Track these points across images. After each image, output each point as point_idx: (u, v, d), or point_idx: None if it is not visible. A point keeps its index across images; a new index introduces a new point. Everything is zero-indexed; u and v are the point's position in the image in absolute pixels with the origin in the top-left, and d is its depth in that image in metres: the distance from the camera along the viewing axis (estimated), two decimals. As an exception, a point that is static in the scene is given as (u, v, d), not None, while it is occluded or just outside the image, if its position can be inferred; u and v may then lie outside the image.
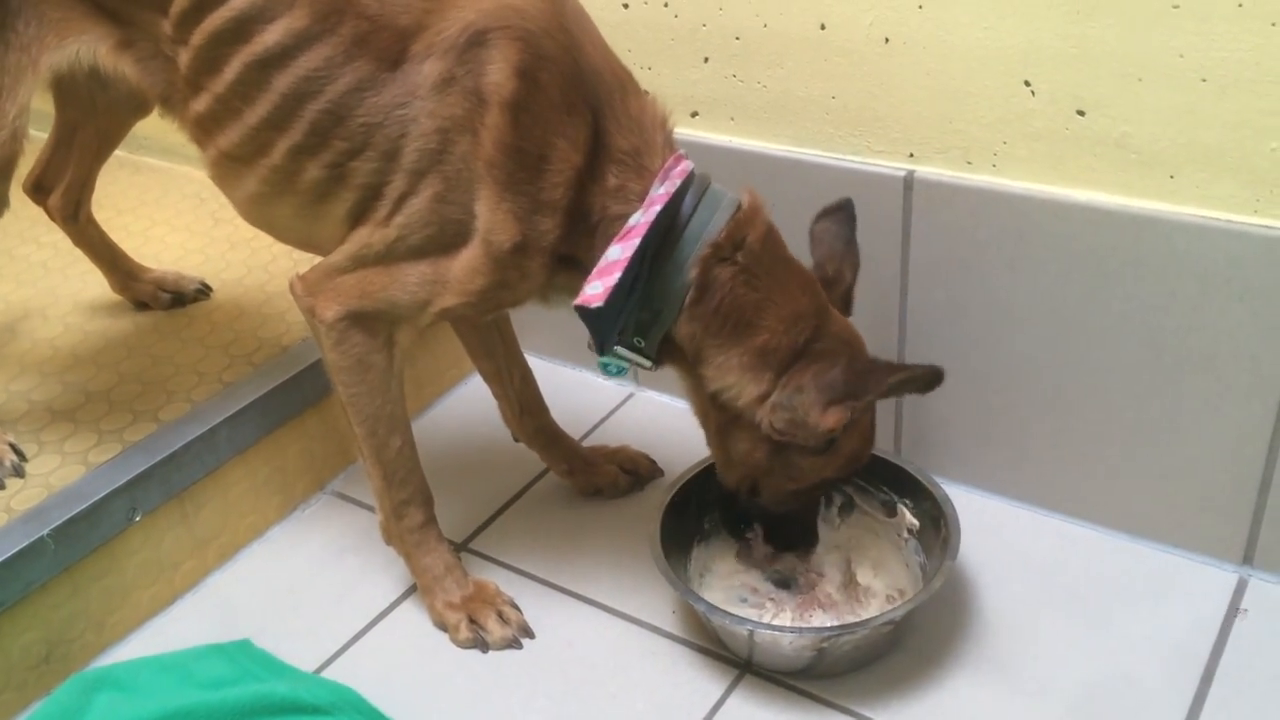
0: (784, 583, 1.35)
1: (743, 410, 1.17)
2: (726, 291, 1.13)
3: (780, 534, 1.33)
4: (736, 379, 1.16)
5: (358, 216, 1.19)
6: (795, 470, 1.21)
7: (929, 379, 1.10)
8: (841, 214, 1.26)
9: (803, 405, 1.12)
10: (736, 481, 1.26)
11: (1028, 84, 1.25)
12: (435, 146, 1.12)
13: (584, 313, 1.11)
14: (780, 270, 1.15)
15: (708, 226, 1.13)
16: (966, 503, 1.33)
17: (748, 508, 1.30)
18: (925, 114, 1.33)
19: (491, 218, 1.13)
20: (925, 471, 1.35)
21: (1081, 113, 1.23)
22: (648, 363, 1.19)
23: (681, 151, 1.17)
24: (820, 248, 1.25)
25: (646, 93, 1.18)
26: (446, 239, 1.15)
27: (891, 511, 1.37)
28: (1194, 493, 1.33)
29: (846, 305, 1.24)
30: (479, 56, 1.10)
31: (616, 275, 1.09)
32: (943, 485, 1.34)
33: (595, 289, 1.10)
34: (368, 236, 1.18)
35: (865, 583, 1.34)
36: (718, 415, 1.21)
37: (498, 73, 1.10)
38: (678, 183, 1.13)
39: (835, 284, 1.23)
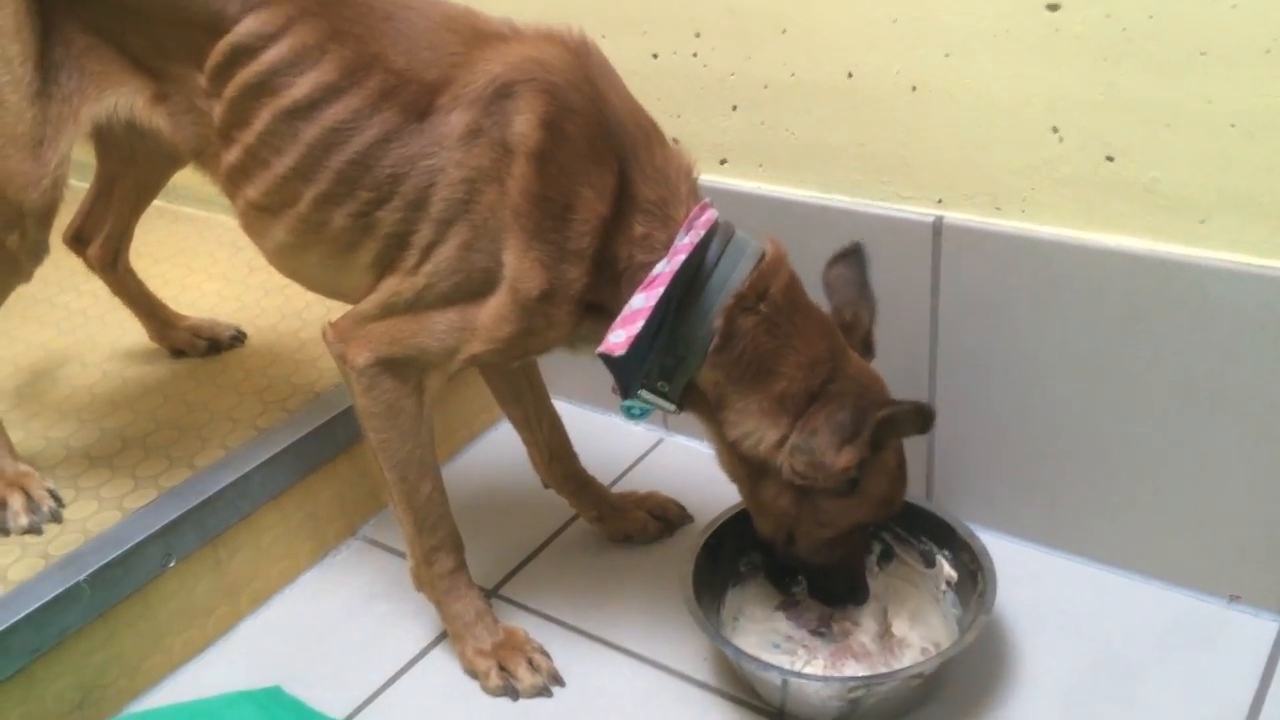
0: (819, 631, 1.34)
1: (765, 457, 1.17)
2: (749, 340, 1.15)
3: (825, 586, 1.32)
4: (756, 425, 1.17)
5: (384, 265, 1.21)
6: (824, 515, 1.21)
7: (916, 415, 1.10)
8: (853, 258, 1.26)
9: (819, 447, 1.13)
10: (771, 532, 1.26)
11: (1055, 130, 1.25)
12: (463, 196, 1.14)
13: (607, 360, 1.12)
14: (800, 318, 1.17)
15: (732, 275, 1.14)
16: (999, 550, 1.32)
17: (787, 559, 1.29)
18: (953, 160, 1.34)
19: (519, 266, 1.14)
20: (964, 522, 1.34)
21: (1110, 158, 1.23)
22: (671, 407, 1.20)
23: (707, 200, 1.18)
24: (836, 294, 1.25)
25: (674, 141, 1.20)
26: (474, 287, 1.17)
27: (930, 562, 1.36)
28: (1231, 539, 1.31)
29: (867, 348, 1.24)
30: (505, 108, 1.12)
31: (640, 324, 1.10)
32: (969, 525, 1.33)
33: (618, 337, 1.10)
34: (397, 285, 1.20)
35: (901, 634, 1.33)
36: (743, 465, 1.22)
37: (524, 124, 1.12)
38: (702, 233, 1.14)
39: (854, 328, 1.24)
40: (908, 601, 1.36)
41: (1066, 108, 1.24)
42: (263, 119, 1.19)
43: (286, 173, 1.20)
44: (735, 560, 1.39)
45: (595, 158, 1.13)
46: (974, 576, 1.28)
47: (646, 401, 1.19)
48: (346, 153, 1.17)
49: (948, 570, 1.33)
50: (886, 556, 1.40)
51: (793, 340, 1.15)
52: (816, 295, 1.22)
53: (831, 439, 1.12)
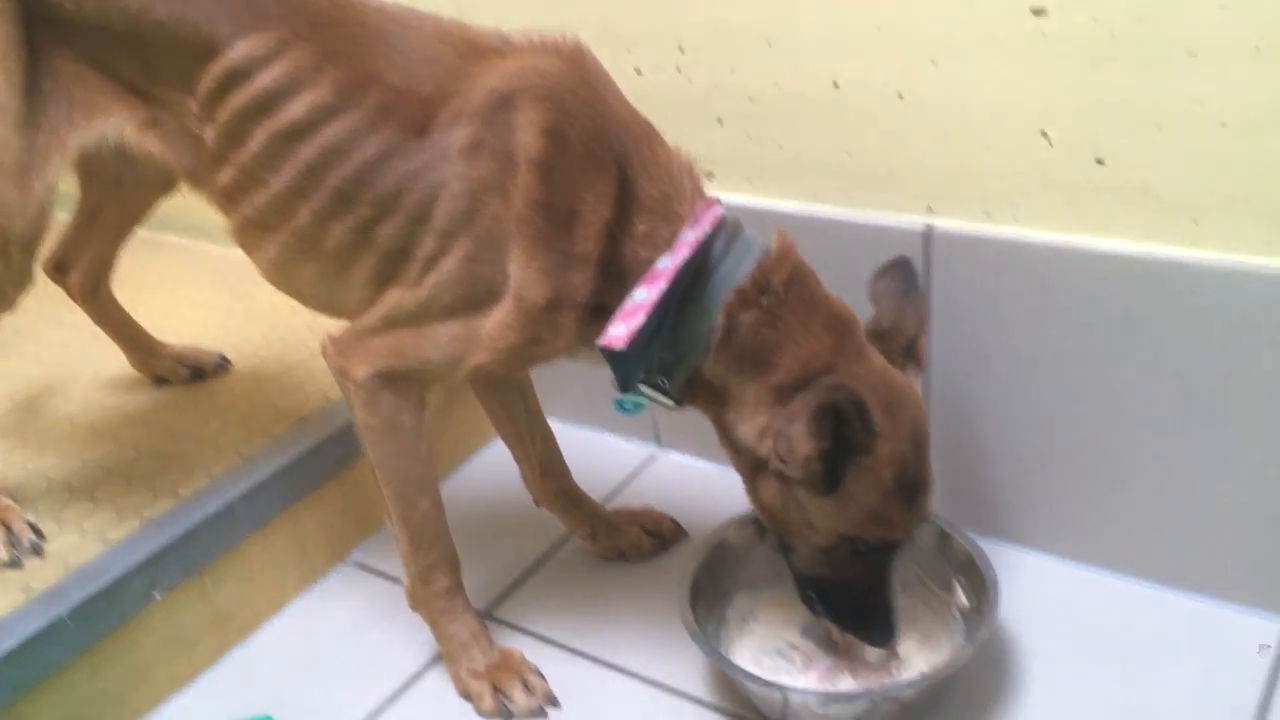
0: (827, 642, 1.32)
1: (754, 445, 1.15)
2: (749, 333, 1.13)
3: (835, 608, 1.24)
4: (749, 414, 1.15)
5: (383, 280, 1.20)
6: (808, 515, 1.16)
7: (850, 405, 1.04)
8: (896, 270, 1.24)
9: (794, 433, 1.09)
10: (776, 534, 1.23)
11: (1045, 134, 1.25)
12: (466, 208, 1.13)
13: (608, 354, 1.10)
14: (804, 309, 1.14)
15: (737, 271, 1.13)
16: (1000, 558, 1.30)
17: (792, 569, 1.24)
18: (942, 168, 1.33)
19: (524, 275, 1.13)
20: (981, 549, 1.30)
21: (1101, 162, 1.23)
22: (670, 402, 1.18)
23: (714, 198, 1.17)
24: (878, 305, 1.23)
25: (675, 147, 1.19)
26: (479, 297, 1.16)
27: (948, 587, 1.33)
28: (1231, 540, 1.30)
29: (910, 358, 1.20)
30: (506, 119, 1.12)
31: (640, 318, 1.09)
32: (978, 542, 1.31)
33: (619, 330, 1.10)
34: (399, 298, 1.18)
35: (905, 655, 1.30)
36: (743, 460, 1.19)
37: (526, 133, 1.11)
38: (707, 229, 1.13)
39: (891, 336, 1.20)
40: (920, 623, 1.33)
41: (1055, 112, 1.23)
42: (258, 140, 1.18)
43: (283, 191, 1.19)
44: (747, 563, 1.36)
45: (596, 162, 1.13)
46: (980, 607, 1.26)
47: (644, 396, 1.18)
48: (345, 170, 1.16)
49: (960, 597, 1.31)
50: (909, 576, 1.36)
51: (793, 333, 1.13)
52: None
53: (805, 425, 1.08)
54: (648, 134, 1.17)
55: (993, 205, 1.31)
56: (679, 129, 1.50)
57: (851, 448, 1.09)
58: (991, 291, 1.33)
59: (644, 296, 1.10)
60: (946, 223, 1.35)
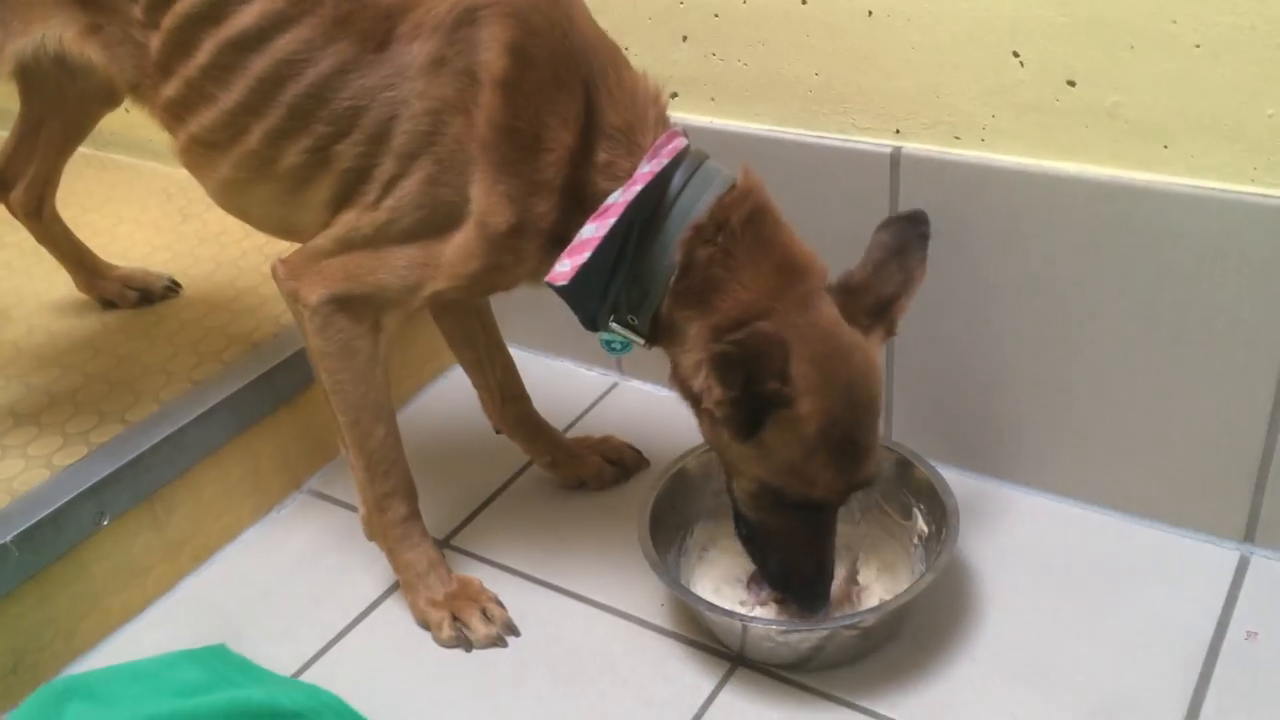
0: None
1: (689, 380, 1.12)
2: (702, 271, 1.09)
3: (766, 561, 1.21)
4: (689, 351, 1.11)
5: (340, 202, 1.15)
6: (732, 455, 1.13)
7: (727, 347, 1.01)
8: (901, 223, 1.17)
9: (707, 377, 1.06)
10: (722, 470, 1.21)
11: (1016, 55, 1.22)
12: (427, 128, 1.09)
13: (554, 289, 1.07)
14: (759, 251, 1.09)
15: (695, 206, 1.09)
16: (960, 486, 1.30)
17: (734, 505, 1.21)
18: (911, 89, 1.30)
19: (486, 200, 1.09)
20: (940, 475, 1.29)
21: (1072, 83, 1.20)
22: (641, 341, 1.15)
23: (677, 129, 1.13)
24: (865, 256, 1.16)
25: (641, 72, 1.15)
26: (438, 221, 1.12)
27: (909, 514, 1.33)
28: (1193, 470, 1.30)
29: (877, 317, 1.13)
30: (469, 36, 1.07)
31: (586, 254, 1.05)
32: (943, 476, 1.29)
33: (564, 267, 1.06)
34: (355, 220, 1.14)
35: (866, 583, 1.30)
36: (687, 395, 1.15)
37: (489, 51, 1.07)
38: (665, 161, 1.09)
39: (859, 292, 1.13)
40: (881, 551, 1.33)
41: (1027, 31, 1.20)
42: (206, 51, 1.13)
43: (234, 107, 1.14)
44: (706, 494, 1.35)
45: (561, 84, 1.08)
46: (940, 534, 1.25)
47: (620, 335, 1.14)
48: (299, 85, 1.11)
49: (921, 524, 1.31)
50: (867, 504, 1.35)
51: (742, 273, 1.09)
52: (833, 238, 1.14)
53: (709, 370, 1.05)
54: (614, 58, 1.13)
55: (961, 128, 1.29)
56: (641, 46, 1.46)
57: (766, 398, 1.05)
58: (959, 216, 1.31)
59: (592, 233, 1.06)
60: (914, 146, 1.32)
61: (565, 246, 1.10)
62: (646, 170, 1.08)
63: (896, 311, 1.14)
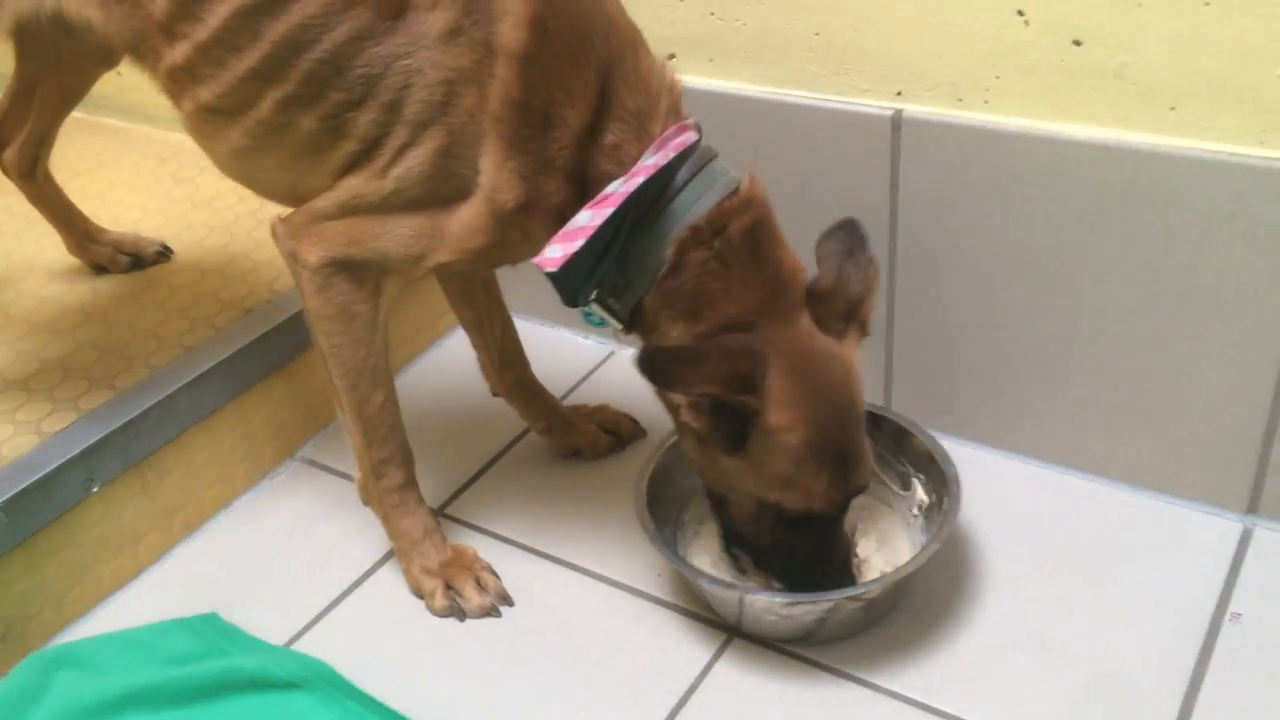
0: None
1: (672, 395, 1.10)
2: (694, 275, 1.07)
3: (774, 571, 1.20)
4: None
5: (351, 169, 1.13)
6: (720, 473, 1.13)
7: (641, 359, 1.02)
8: (843, 230, 1.16)
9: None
10: (705, 485, 1.20)
11: (1021, 13, 1.19)
12: (440, 99, 1.06)
13: (543, 273, 1.05)
14: (752, 264, 1.08)
15: (694, 206, 1.06)
16: (960, 456, 1.28)
17: (724, 526, 1.21)
18: (913, 49, 1.27)
19: (496, 175, 1.07)
20: (940, 444, 1.28)
21: (1078, 43, 1.17)
22: (618, 325, 1.13)
23: (689, 121, 1.10)
24: (821, 266, 1.15)
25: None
26: (446, 193, 1.10)
27: (907, 485, 1.31)
28: (1196, 440, 1.28)
29: (848, 320, 1.12)
30: (488, 6, 1.04)
31: (579, 243, 1.03)
32: (943, 446, 1.28)
33: (555, 252, 1.04)
34: (361, 186, 1.12)
35: (865, 555, 1.28)
36: (669, 405, 1.15)
37: (507, 23, 1.04)
38: (672, 155, 1.06)
39: (829, 298, 1.12)
40: (879, 522, 1.31)
41: (1033, -12, 1.17)
42: (219, 15, 1.09)
43: (246, 73, 1.11)
44: None
45: (578, 63, 1.05)
46: (941, 504, 1.24)
47: (599, 314, 1.13)
48: (315, 52, 1.07)
49: (920, 494, 1.29)
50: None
51: (733, 285, 1.07)
52: (778, 198, 1.11)
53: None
54: (635, 41, 1.10)
55: (965, 90, 1.26)
56: (638, 5, 1.42)
57: (739, 410, 1.05)
58: (961, 180, 1.28)
59: (587, 220, 1.04)
60: (916, 108, 1.29)
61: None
62: (650, 163, 1.05)
63: (866, 312, 1.14)
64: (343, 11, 1.07)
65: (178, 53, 1.14)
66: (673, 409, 1.14)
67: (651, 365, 1.03)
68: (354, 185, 1.12)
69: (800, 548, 1.16)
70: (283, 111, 1.12)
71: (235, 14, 1.09)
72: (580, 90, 1.06)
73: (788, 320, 1.09)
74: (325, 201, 1.15)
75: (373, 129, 1.09)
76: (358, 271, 1.16)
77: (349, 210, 1.13)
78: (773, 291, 1.09)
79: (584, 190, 1.08)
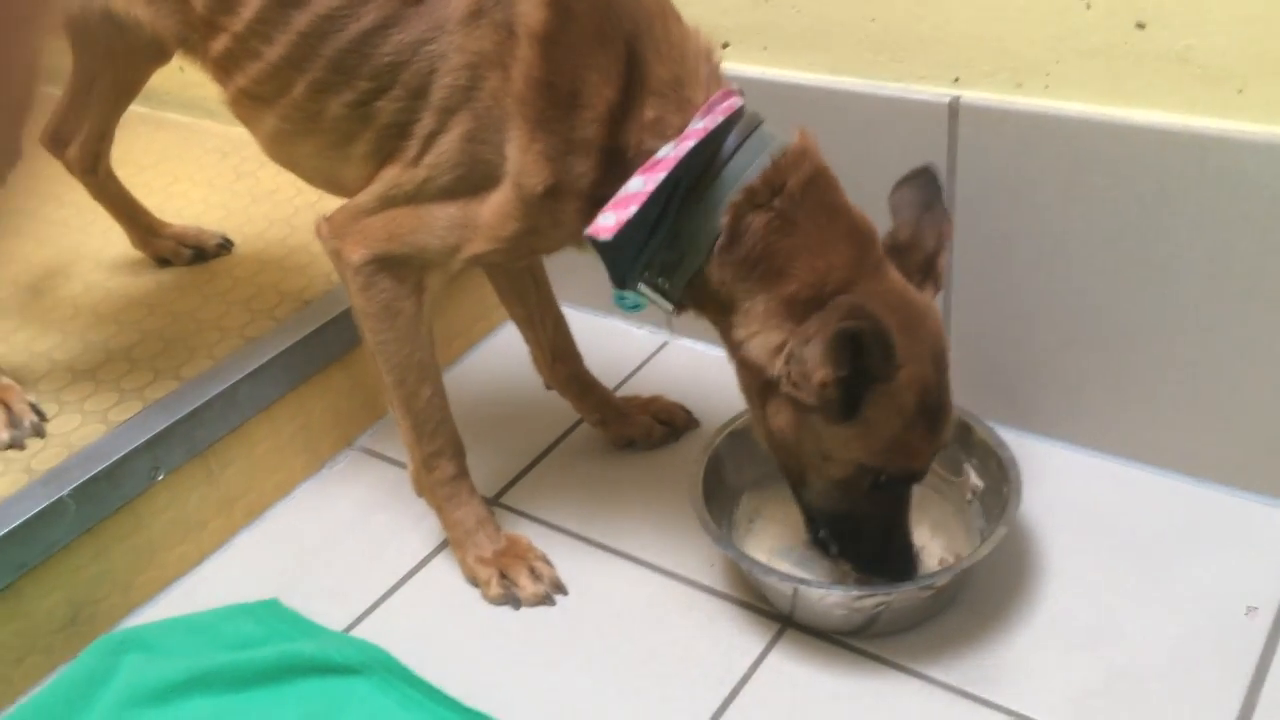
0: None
1: (765, 364, 1.07)
2: (759, 239, 1.05)
3: (852, 551, 1.18)
4: (760, 327, 1.07)
5: (384, 156, 1.14)
6: (824, 444, 1.09)
7: (873, 336, 0.97)
8: (919, 180, 1.14)
9: (809, 357, 1.01)
10: (783, 464, 1.15)
11: (1082, -4, 1.17)
12: (465, 83, 1.07)
13: (595, 244, 1.04)
14: (823, 217, 1.06)
15: (747, 170, 1.05)
16: (1019, 447, 1.26)
17: (805, 505, 1.18)
18: (971, 34, 1.25)
19: (523, 159, 1.07)
20: (993, 430, 1.26)
21: (1141, 25, 1.15)
22: (669, 306, 1.12)
23: (732, 86, 1.09)
24: (897, 216, 1.13)
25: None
26: (476, 180, 1.10)
27: (958, 470, 1.29)
28: (1261, 432, 1.25)
29: (926, 274, 1.11)
30: None
31: (633, 209, 1.02)
32: (998, 432, 1.26)
33: (608, 220, 1.02)
34: (397, 177, 1.13)
35: (921, 543, 1.25)
36: (749, 375, 1.11)
37: (528, 2, 1.04)
38: (720, 119, 1.04)
39: (908, 251, 1.11)
40: (931, 510, 1.30)
41: (1094, -29, 1.15)
42: (251, 6, 1.12)
43: (278, 61, 1.13)
44: (754, 464, 1.32)
45: (603, 38, 1.05)
46: (1000, 487, 1.22)
47: (644, 296, 1.12)
48: (342, 40, 1.09)
49: (974, 479, 1.27)
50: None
51: (810, 240, 1.05)
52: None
53: (821, 351, 1.01)
54: (663, 10, 1.09)
55: (1024, 75, 1.24)
56: (691, -6, 1.42)
57: (870, 375, 1.02)
58: (1020, 168, 1.26)
59: (639, 186, 1.02)
60: (974, 95, 1.27)
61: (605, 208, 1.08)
62: (700, 126, 1.04)
63: (940, 266, 1.12)
64: (366, 1, 1.08)
65: (219, 43, 1.16)
66: (757, 385, 1.10)
67: (881, 342, 0.98)
68: (391, 176, 1.13)
69: (883, 517, 1.15)
70: (313, 98, 1.13)
71: (265, 5, 1.11)
72: (607, 67, 1.04)
73: (881, 275, 1.07)
74: (366, 196, 1.16)
75: (400, 115, 1.10)
76: (399, 268, 1.16)
77: (387, 202, 1.14)
78: (858, 244, 1.07)
79: (624, 169, 1.06)
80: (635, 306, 1.14)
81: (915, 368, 1.05)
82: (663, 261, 1.09)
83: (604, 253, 1.05)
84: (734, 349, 1.12)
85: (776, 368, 1.06)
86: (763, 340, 1.07)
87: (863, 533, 1.16)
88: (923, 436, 1.09)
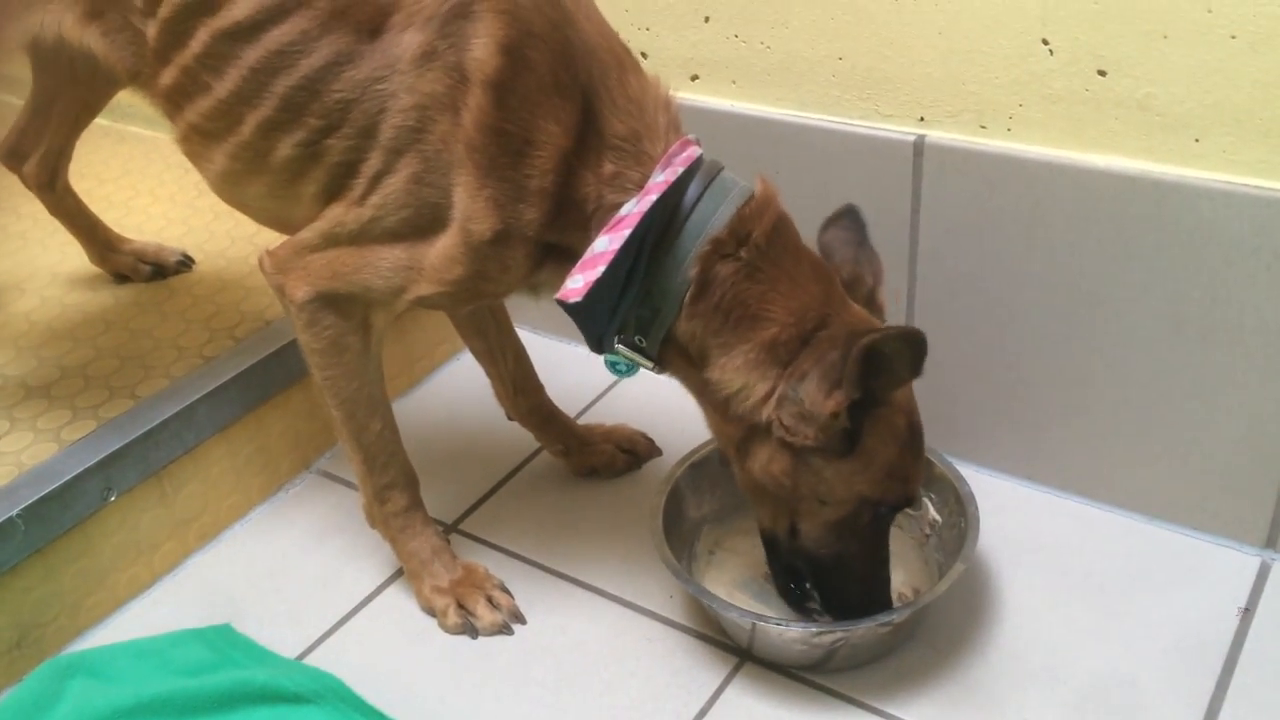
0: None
1: (754, 414, 1.06)
2: (728, 288, 1.05)
3: (839, 596, 1.17)
4: (743, 379, 1.06)
5: (332, 196, 1.13)
6: (823, 485, 1.08)
7: (903, 342, 0.97)
8: (846, 219, 1.15)
9: (808, 392, 1.02)
10: (771, 518, 1.15)
11: (1045, 42, 1.19)
12: (414, 124, 1.06)
13: (565, 308, 1.03)
14: (788, 260, 1.06)
15: (711, 220, 1.04)
16: (978, 484, 1.27)
17: (793, 556, 1.16)
18: (937, 75, 1.27)
19: (470, 205, 1.06)
20: (952, 465, 1.28)
21: (1102, 73, 1.17)
22: (650, 364, 1.11)
23: (691, 137, 1.08)
24: (832, 256, 1.14)
25: (643, 55, 1.12)
26: (423, 223, 1.09)
27: (917, 504, 1.30)
28: (1216, 473, 1.27)
29: (872, 308, 1.13)
30: (462, 30, 1.03)
31: (600, 269, 1.01)
32: (956, 467, 1.28)
33: (576, 283, 1.02)
34: (342, 215, 1.12)
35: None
36: (732, 429, 1.10)
37: (481, 48, 1.03)
38: (680, 170, 1.04)
39: (854, 287, 1.12)
40: (891, 543, 1.31)
41: (1058, 18, 1.17)
42: (200, 40, 1.11)
43: (228, 97, 1.12)
44: (714, 496, 1.33)
45: (558, 88, 1.04)
46: (957, 522, 1.23)
47: (626, 357, 1.11)
48: (293, 77, 1.08)
49: (932, 513, 1.28)
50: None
51: (779, 284, 1.05)
52: (801, 221, 1.11)
53: (821, 382, 1.01)
54: (621, 62, 1.08)
55: (988, 117, 1.26)
56: (663, 26, 1.44)
57: (871, 399, 1.03)
58: (982, 208, 1.28)
59: (605, 245, 1.02)
60: (939, 134, 1.29)
61: (562, 258, 1.08)
62: (660, 179, 1.04)
63: (882, 300, 1.15)
64: (320, 37, 1.07)
65: (169, 76, 1.15)
66: (739, 437, 1.10)
67: (913, 352, 0.98)
68: (335, 215, 1.12)
69: (874, 554, 1.15)
70: (263, 136, 1.12)
71: (215, 38, 1.10)
72: (561, 116, 1.04)
73: (848, 307, 1.08)
74: (309, 232, 1.15)
75: (348, 154, 1.09)
76: (344, 305, 1.15)
77: (331, 241, 1.13)
78: (824, 282, 1.08)
79: (583, 224, 1.06)
80: (630, 370, 1.13)
81: (900, 392, 1.07)
82: (638, 319, 1.08)
83: (575, 316, 1.04)
84: (713, 403, 1.11)
85: (765, 414, 1.06)
86: (749, 391, 1.07)
87: (851, 574, 1.15)
88: (914, 459, 1.11)
